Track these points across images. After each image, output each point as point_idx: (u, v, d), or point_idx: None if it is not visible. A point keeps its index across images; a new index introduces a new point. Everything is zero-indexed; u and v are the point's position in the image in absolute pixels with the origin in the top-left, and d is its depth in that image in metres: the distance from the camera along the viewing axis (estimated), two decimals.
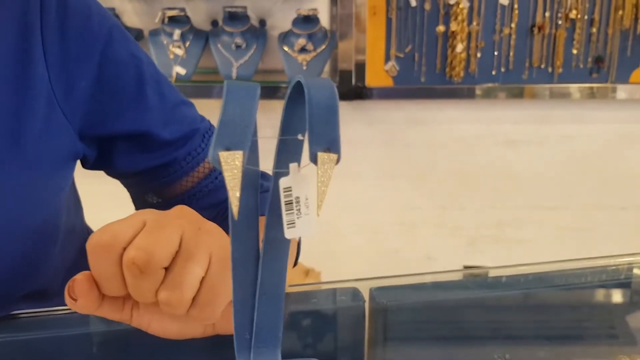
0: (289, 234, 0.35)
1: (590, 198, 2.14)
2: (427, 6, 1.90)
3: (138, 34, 1.90)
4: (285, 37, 1.89)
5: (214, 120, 0.33)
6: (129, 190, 0.78)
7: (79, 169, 0.78)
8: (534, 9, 1.92)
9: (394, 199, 2.14)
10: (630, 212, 2.14)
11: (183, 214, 0.51)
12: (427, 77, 1.95)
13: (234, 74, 1.85)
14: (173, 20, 1.85)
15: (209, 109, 0.79)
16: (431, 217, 2.16)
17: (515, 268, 0.75)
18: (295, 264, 0.72)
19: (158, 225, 0.47)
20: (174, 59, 1.85)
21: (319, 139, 0.33)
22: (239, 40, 1.85)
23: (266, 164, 0.39)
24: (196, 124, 0.74)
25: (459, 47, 1.91)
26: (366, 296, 0.65)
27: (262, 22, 1.93)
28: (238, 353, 0.37)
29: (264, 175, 0.65)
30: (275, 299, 0.38)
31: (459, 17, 1.90)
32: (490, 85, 1.96)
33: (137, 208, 0.78)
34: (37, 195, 0.63)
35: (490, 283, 0.76)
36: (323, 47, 1.87)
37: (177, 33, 1.84)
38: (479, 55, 1.94)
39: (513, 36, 1.93)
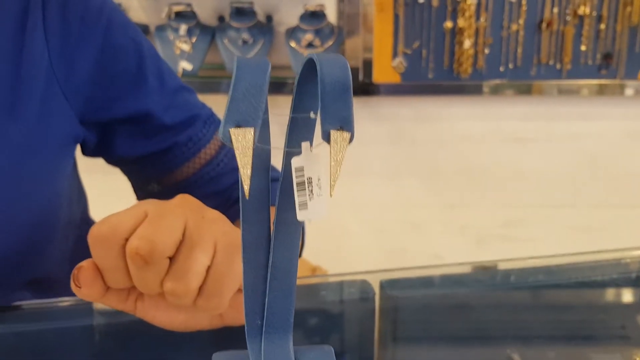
0: (301, 215, 0.34)
1: (599, 196, 2.12)
2: (435, 2, 1.89)
3: (144, 29, 1.89)
4: (292, 33, 1.88)
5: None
6: (130, 179, 0.77)
7: (84, 164, 0.77)
8: (542, 5, 1.90)
9: (401, 197, 2.12)
10: None
11: (185, 202, 0.49)
12: (434, 73, 1.94)
13: None
14: (179, 16, 1.84)
15: (216, 105, 0.78)
16: (438, 215, 2.15)
17: (524, 261, 0.75)
18: (300, 254, 0.71)
19: (160, 214, 0.46)
20: (180, 55, 1.84)
21: (331, 117, 0.32)
22: (245, 35, 1.84)
23: (274, 152, 0.37)
24: (197, 109, 0.73)
25: (467, 44, 1.90)
26: (376, 289, 0.65)
27: (269, 18, 1.93)
28: (249, 338, 0.36)
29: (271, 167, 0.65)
30: (286, 283, 0.37)
31: (467, 13, 1.89)
32: (498, 81, 1.95)
33: (138, 198, 0.77)
34: (34, 175, 0.62)
35: (501, 276, 0.75)
36: (330, 43, 1.86)
37: (183, 28, 1.84)
38: (486, 51, 1.93)
39: (521, 32, 1.92)
